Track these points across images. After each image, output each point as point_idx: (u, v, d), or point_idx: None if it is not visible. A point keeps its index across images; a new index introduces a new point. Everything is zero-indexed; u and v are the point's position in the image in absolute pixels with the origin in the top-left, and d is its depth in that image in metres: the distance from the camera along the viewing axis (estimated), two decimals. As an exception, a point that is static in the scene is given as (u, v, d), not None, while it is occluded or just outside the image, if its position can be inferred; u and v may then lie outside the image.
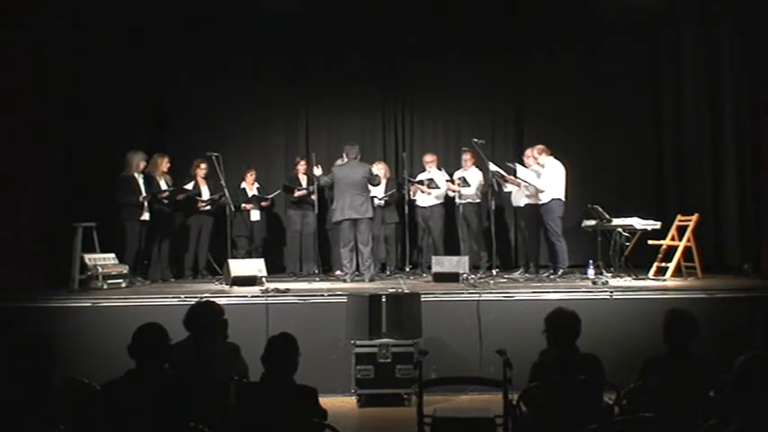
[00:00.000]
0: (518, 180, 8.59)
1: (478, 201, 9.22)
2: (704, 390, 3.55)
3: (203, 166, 8.89)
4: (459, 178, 9.11)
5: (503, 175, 8.65)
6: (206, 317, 4.41)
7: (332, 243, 9.52)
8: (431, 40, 9.88)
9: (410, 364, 6.02)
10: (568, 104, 9.94)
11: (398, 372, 6.12)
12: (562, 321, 4.09)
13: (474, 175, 9.18)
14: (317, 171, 8.79)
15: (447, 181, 9.29)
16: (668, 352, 3.96)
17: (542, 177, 8.42)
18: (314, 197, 9.01)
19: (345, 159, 8.52)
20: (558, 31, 9.75)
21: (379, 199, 9.24)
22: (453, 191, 9.24)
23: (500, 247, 9.04)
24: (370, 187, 8.52)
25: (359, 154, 8.56)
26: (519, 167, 8.58)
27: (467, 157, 9.17)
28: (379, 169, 9.18)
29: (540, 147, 8.59)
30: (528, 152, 8.84)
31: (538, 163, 8.57)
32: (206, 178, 8.97)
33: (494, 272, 8.51)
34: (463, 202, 9.15)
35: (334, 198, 8.50)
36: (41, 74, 8.17)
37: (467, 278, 7.83)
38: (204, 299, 5.47)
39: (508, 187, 9.00)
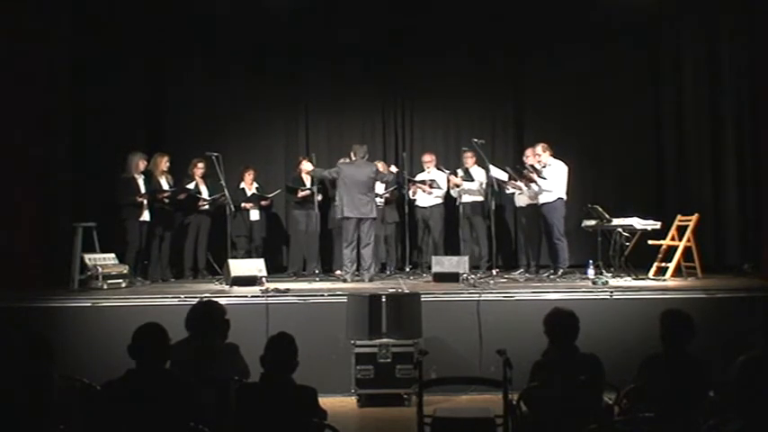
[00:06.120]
0: (519, 185, 8.59)
1: (481, 200, 9.13)
2: (703, 390, 3.55)
3: (201, 165, 8.89)
4: (462, 169, 9.06)
5: (504, 181, 8.66)
6: (209, 316, 4.40)
7: (334, 242, 9.47)
8: (431, 39, 9.87)
9: (410, 364, 6.02)
10: (568, 104, 9.96)
11: (398, 372, 6.11)
12: (559, 321, 4.11)
13: (476, 174, 9.15)
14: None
15: (450, 174, 9.25)
16: (665, 352, 3.97)
17: (548, 177, 8.41)
18: (318, 197, 9.00)
19: (354, 158, 8.52)
20: (559, 32, 9.73)
21: (380, 196, 9.22)
22: (456, 185, 9.18)
23: (501, 247, 9.04)
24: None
25: (366, 153, 8.55)
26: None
27: (468, 155, 9.16)
28: (379, 169, 9.19)
29: (543, 144, 8.56)
30: (528, 152, 8.83)
31: (539, 161, 8.55)
32: (204, 177, 8.96)
33: (494, 272, 8.51)
34: (465, 201, 9.13)
35: (337, 194, 8.49)
36: (42, 73, 8.17)
37: (467, 278, 7.82)
38: (206, 298, 5.46)
39: (510, 189, 9.00)
